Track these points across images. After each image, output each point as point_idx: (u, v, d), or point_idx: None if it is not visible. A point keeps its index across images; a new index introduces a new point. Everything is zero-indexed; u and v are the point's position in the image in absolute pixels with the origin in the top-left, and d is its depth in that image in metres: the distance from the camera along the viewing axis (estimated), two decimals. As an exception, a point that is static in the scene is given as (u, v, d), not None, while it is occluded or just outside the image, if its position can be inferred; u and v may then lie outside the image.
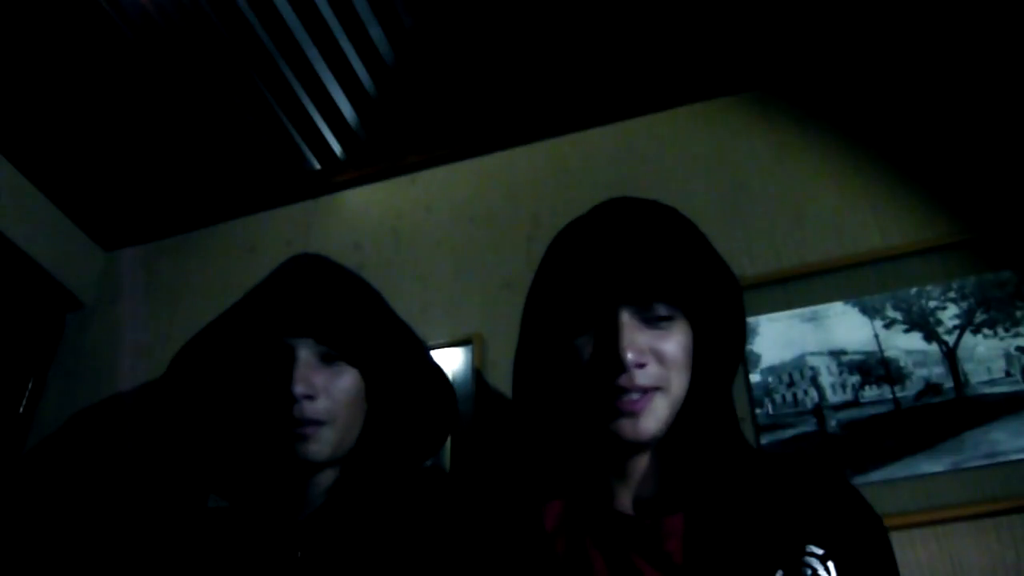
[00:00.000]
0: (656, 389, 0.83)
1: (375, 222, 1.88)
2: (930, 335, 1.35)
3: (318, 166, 1.97)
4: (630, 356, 0.80)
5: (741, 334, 0.93)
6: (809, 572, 0.75)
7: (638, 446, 0.85)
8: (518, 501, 0.89)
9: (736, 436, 0.90)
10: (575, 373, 0.85)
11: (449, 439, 1.44)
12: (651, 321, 0.84)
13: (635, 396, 0.82)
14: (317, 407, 0.96)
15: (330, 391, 0.98)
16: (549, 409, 0.92)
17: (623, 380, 0.81)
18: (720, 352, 0.89)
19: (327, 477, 1.01)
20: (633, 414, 0.81)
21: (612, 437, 0.83)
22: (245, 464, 1.06)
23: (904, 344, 1.35)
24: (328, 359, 1.00)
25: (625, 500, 0.86)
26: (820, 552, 0.76)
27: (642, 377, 0.82)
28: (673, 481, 0.86)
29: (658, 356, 0.83)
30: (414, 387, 1.08)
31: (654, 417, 0.82)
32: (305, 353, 0.98)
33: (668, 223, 0.90)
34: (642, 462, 0.87)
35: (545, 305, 0.91)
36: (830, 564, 0.76)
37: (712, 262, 0.91)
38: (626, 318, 0.83)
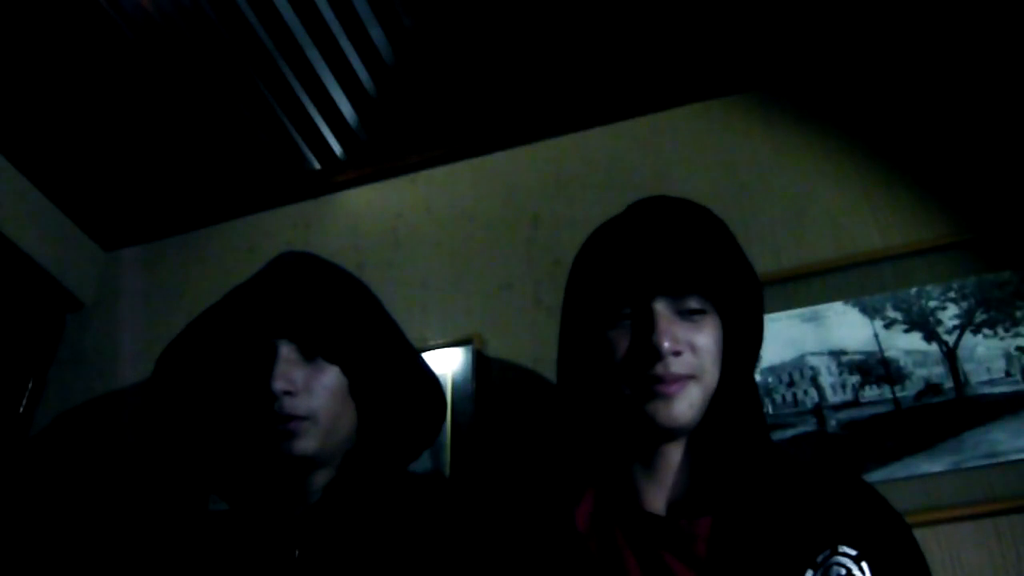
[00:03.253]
0: (691, 378, 0.84)
1: (375, 222, 1.87)
2: (930, 335, 1.35)
3: (318, 166, 1.97)
4: (666, 344, 0.83)
5: (761, 331, 0.94)
6: (844, 572, 0.75)
7: (671, 434, 0.86)
8: (549, 503, 0.89)
9: (764, 435, 0.91)
10: (609, 364, 0.87)
11: (449, 439, 1.44)
12: (684, 313, 0.86)
13: (670, 382, 0.84)
14: (298, 403, 0.96)
15: (312, 388, 0.98)
16: (586, 401, 0.93)
17: (659, 368, 0.83)
18: (744, 347, 0.91)
19: (324, 476, 1.01)
20: (668, 397, 0.83)
21: (647, 422, 0.84)
22: (239, 463, 1.06)
23: (904, 344, 1.35)
24: (310, 356, 1.00)
25: (656, 498, 0.87)
26: (853, 553, 0.76)
27: (677, 365, 0.84)
28: (703, 480, 0.86)
29: (692, 346, 0.85)
30: (399, 383, 1.08)
31: (688, 402, 0.84)
32: (286, 350, 0.98)
33: (701, 220, 0.93)
34: (674, 457, 0.88)
35: (580, 299, 0.93)
36: (864, 565, 0.75)
37: (740, 260, 0.94)
38: (661, 308, 0.85)
